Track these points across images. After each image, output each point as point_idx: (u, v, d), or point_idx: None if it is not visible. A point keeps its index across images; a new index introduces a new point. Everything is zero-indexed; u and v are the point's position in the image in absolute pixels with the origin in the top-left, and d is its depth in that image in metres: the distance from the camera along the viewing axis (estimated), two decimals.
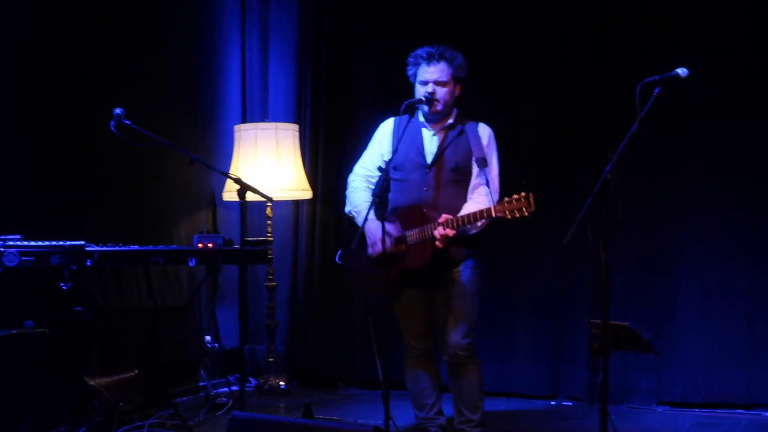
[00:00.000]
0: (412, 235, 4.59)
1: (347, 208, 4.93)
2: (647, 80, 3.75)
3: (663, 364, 5.78)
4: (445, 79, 4.65)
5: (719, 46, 5.68)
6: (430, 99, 4.62)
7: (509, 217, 4.34)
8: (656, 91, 3.73)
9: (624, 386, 5.87)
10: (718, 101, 5.71)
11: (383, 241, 4.39)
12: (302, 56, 6.90)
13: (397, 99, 4.64)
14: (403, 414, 5.20)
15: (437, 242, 4.47)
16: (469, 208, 4.56)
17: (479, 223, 4.54)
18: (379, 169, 4.46)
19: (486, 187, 4.59)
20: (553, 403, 6.08)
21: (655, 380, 5.84)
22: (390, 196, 4.67)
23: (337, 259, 4.98)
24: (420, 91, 4.67)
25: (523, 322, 6.22)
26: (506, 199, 4.37)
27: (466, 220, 4.43)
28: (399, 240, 4.63)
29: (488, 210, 4.38)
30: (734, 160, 5.71)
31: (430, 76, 4.65)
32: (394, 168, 4.69)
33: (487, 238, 4.77)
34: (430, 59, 4.65)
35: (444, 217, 4.47)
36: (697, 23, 5.74)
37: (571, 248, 4.02)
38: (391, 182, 4.65)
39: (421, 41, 4.78)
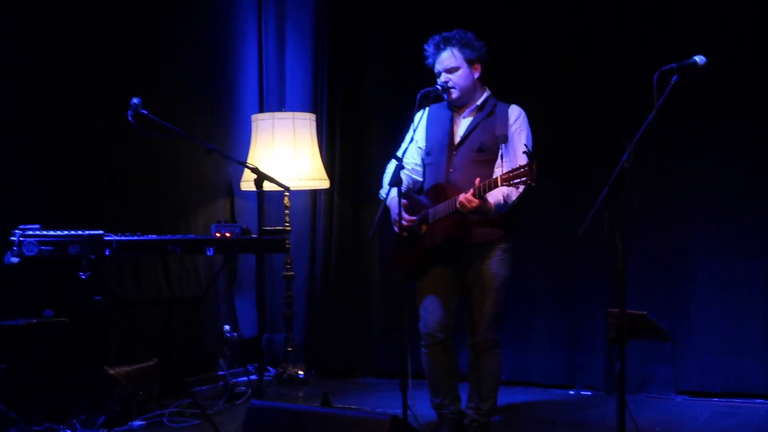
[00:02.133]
0: (433, 212, 4.54)
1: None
2: (665, 68, 3.70)
3: (681, 353, 5.77)
4: (454, 64, 4.60)
5: (736, 38, 5.65)
6: (446, 88, 4.59)
7: (513, 186, 4.24)
8: (674, 79, 3.69)
9: (642, 375, 5.86)
10: (738, 94, 5.69)
11: (400, 217, 4.36)
12: (319, 46, 6.91)
13: (413, 88, 4.63)
14: (421, 403, 5.18)
15: (457, 203, 4.35)
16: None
17: (510, 200, 4.42)
18: (395, 157, 4.44)
19: (513, 165, 4.49)
20: (571, 392, 6.08)
21: (672, 369, 5.83)
22: (424, 184, 4.73)
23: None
24: (438, 82, 4.64)
25: (540, 312, 6.23)
26: (511, 168, 4.24)
27: (483, 188, 4.28)
28: (421, 220, 4.60)
29: (495, 179, 4.24)
30: (752, 154, 5.69)
31: (440, 66, 4.62)
32: (427, 154, 4.71)
33: (518, 224, 4.66)
34: (437, 49, 4.62)
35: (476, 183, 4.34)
36: (715, 14, 5.71)
37: (587, 238, 4.00)
38: (426, 168, 4.68)
39: (435, 30, 4.73)
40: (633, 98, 5.82)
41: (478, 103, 4.68)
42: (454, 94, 4.62)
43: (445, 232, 4.49)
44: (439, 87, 4.57)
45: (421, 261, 4.63)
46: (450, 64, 4.60)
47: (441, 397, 4.79)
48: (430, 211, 4.55)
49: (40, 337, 4.84)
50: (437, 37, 4.64)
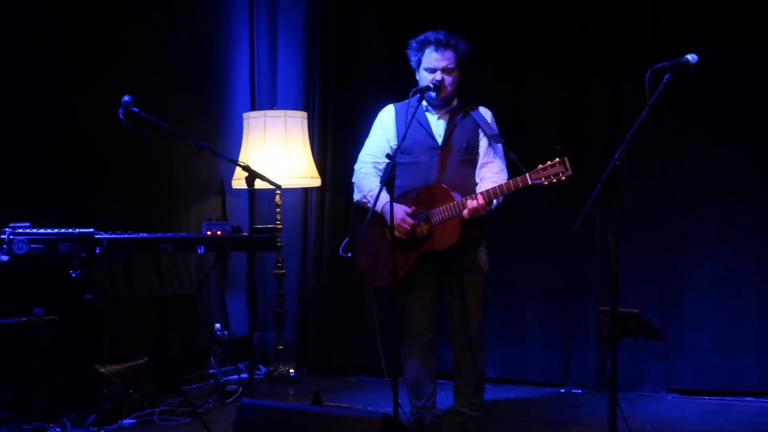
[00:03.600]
0: (437, 214, 4.54)
1: (357, 196, 4.85)
2: (657, 66, 3.72)
3: (673, 351, 5.77)
4: (452, 66, 4.63)
5: (733, 36, 5.65)
6: (439, 86, 4.60)
7: (546, 183, 4.33)
8: (666, 77, 3.71)
9: (633, 374, 5.87)
10: (730, 92, 5.69)
11: (408, 222, 4.49)
12: (310, 44, 6.90)
13: (405, 86, 4.63)
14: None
15: (465, 212, 4.42)
16: (492, 182, 4.55)
17: (497, 200, 4.52)
18: (387, 156, 4.43)
19: (499, 162, 4.65)
20: (562, 390, 6.08)
21: (664, 368, 5.83)
22: (397, 181, 4.65)
23: (341, 251, 4.92)
24: (427, 78, 4.63)
25: (532, 310, 6.22)
26: (541, 165, 4.34)
27: (498, 191, 4.40)
28: (425, 220, 4.59)
29: (523, 178, 4.35)
30: (744, 151, 5.69)
31: (438, 64, 4.62)
32: (402, 153, 4.65)
33: (493, 220, 4.74)
34: (438, 46, 4.62)
35: (482, 189, 4.47)
36: (712, 13, 5.70)
37: (580, 236, 4.01)
38: (398, 167, 4.65)
39: (429, 28, 4.73)
40: (630, 99, 5.79)
41: (454, 104, 4.74)
42: (446, 92, 4.63)
43: (458, 232, 4.50)
44: (432, 84, 4.58)
45: (415, 262, 4.62)
46: (451, 65, 4.63)
47: (425, 399, 4.76)
48: (434, 212, 4.55)
49: (30, 335, 4.82)
50: (441, 35, 4.63)
